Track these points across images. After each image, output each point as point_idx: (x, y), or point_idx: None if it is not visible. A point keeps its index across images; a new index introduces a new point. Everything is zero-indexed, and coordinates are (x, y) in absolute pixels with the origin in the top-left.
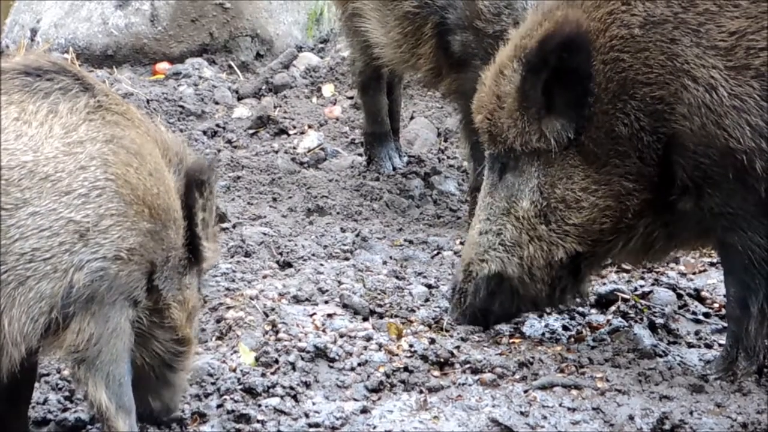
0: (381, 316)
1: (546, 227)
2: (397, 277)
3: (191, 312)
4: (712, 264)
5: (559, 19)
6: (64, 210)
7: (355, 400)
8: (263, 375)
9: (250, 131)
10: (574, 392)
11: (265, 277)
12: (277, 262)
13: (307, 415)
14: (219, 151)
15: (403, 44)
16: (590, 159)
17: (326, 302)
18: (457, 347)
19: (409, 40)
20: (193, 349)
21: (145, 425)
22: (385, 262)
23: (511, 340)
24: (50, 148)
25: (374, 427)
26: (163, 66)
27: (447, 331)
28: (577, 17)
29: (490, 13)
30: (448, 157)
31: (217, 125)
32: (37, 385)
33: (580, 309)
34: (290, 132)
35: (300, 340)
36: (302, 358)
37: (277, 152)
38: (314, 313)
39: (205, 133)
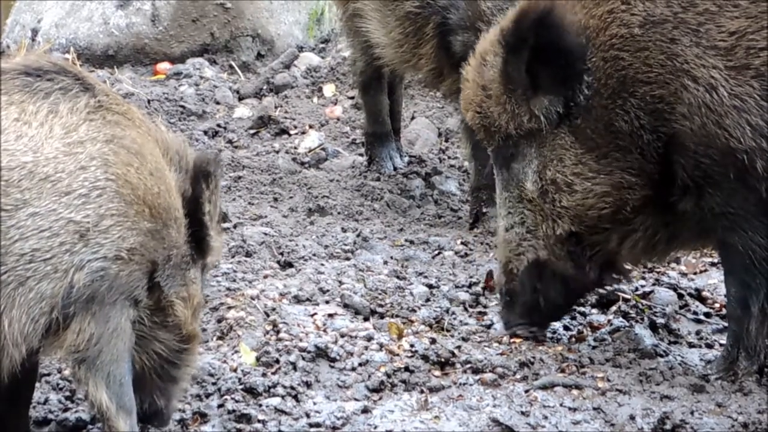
0: (382, 316)
1: (547, 205)
2: (398, 277)
3: (196, 308)
4: (712, 264)
5: None
6: (64, 210)
7: (356, 400)
8: (264, 375)
9: (251, 131)
10: (575, 392)
11: (266, 277)
12: (278, 262)
13: (308, 415)
14: (220, 151)
15: (404, 44)
16: (588, 145)
17: (327, 302)
18: (458, 347)
19: (411, 40)
20: (197, 346)
21: (146, 426)
22: (386, 262)
23: (511, 340)
24: (50, 148)
25: (375, 427)
26: (164, 66)
27: (448, 331)
28: None
29: (492, 14)
30: (449, 157)
31: (218, 125)
32: (37, 385)
33: (581, 309)
34: (291, 132)
35: (301, 340)
36: (303, 358)
37: (278, 152)
38: (315, 313)
39: (206, 133)
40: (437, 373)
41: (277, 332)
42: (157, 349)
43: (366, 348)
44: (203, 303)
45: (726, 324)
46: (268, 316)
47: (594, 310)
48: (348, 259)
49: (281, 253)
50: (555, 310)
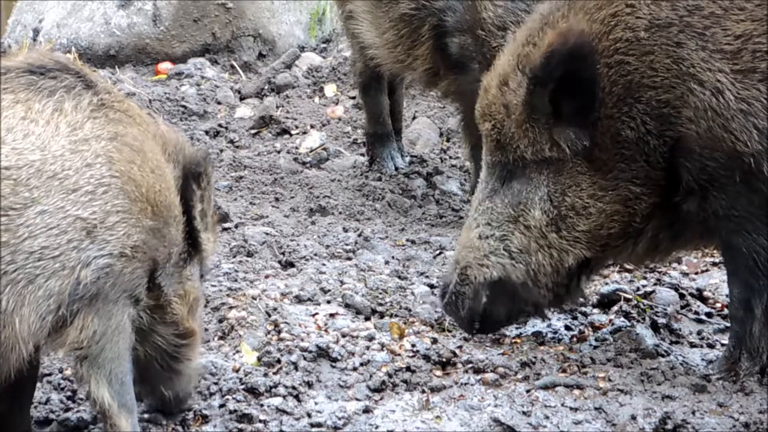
0: (383, 315)
1: (556, 235)
2: (399, 277)
3: (193, 304)
4: (714, 264)
5: (562, 30)
6: (71, 207)
7: (358, 399)
8: (265, 375)
9: (253, 131)
10: (577, 392)
11: (267, 276)
12: (280, 261)
13: (309, 415)
14: (221, 151)
15: (398, 46)
16: (597, 164)
17: (328, 302)
18: (459, 347)
19: (405, 42)
20: (198, 340)
21: (147, 425)
22: (387, 262)
23: (513, 340)
24: (57, 146)
25: (376, 427)
26: (166, 66)
27: (449, 331)
28: (580, 26)
29: (494, 25)
30: (451, 157)
31: (220, 125)
32: (39, 384)
33: (583, 309)
34: (292, 132)
35: (302, 340)
36: (304, 358)
37: (279, 152)
38: (316, 313)
39: (207, 133)
40: (438, 373)
41: (279, 332)
42: (158, 341)
43: (367, 348)
44: (200, 298)
45: (728, 324)
46: (269, 316)
47: (595, 310)
48: (349, 259)
49: (282, 253)
50: (499, 322)
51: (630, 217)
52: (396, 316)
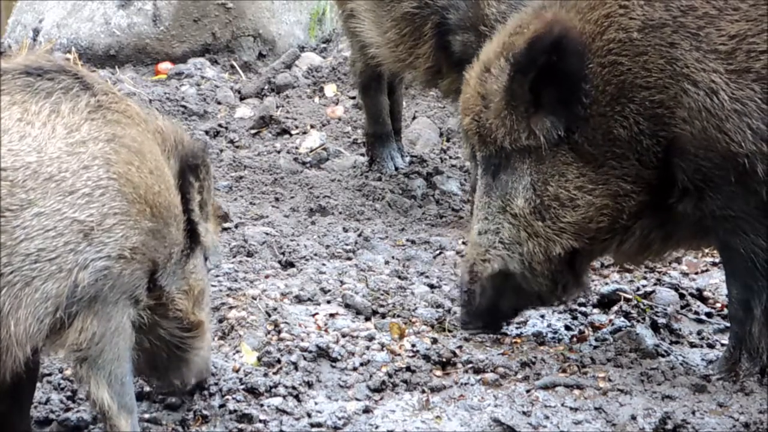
0: (383, 315)
1: (542, 223)
2: (399, 277)
3: (198, 296)
4: (714, 264)
5: (548, 20)
6: (68, 210)
7: (358, 399)
8: (265, 375)
9: (253, 131)
10: (577, 392)
11: (267, 276)
12: (280, 261)
13: (309, 415)
14: (221, 151)
15: (400, 44)
16: (586, 158)
17: (328, 302)
18: (460, 347)
19: (407, 40)
20: (206, 328)
21: (147, 425)
22: (387, 262)
23: (513, 340)
24: (53, 148)
25: (376, 427)
26: (166, 66)
27: (449, 331)
28: (566, 18)
29: (497, 21)
30: (451, 157)
31: (220, 125)
32: (39, 384)
33: (583, 309)
34: (292, 132)
35: (302, 340)
36: (304, 358)
37: (279, 152)
38: (316, 313)
39: (207, 133)
40: (438, 373)
41: (279, 332)
42: (163, 334)
43: (367, 348)
44: (206, 288)
45: (728, 324)
46: (269, 316)
47: (595, 310)
48: (349, 259)
49: (283, 253)
50: (509, 315)
51: (618, 213)
52: (396, 316)
